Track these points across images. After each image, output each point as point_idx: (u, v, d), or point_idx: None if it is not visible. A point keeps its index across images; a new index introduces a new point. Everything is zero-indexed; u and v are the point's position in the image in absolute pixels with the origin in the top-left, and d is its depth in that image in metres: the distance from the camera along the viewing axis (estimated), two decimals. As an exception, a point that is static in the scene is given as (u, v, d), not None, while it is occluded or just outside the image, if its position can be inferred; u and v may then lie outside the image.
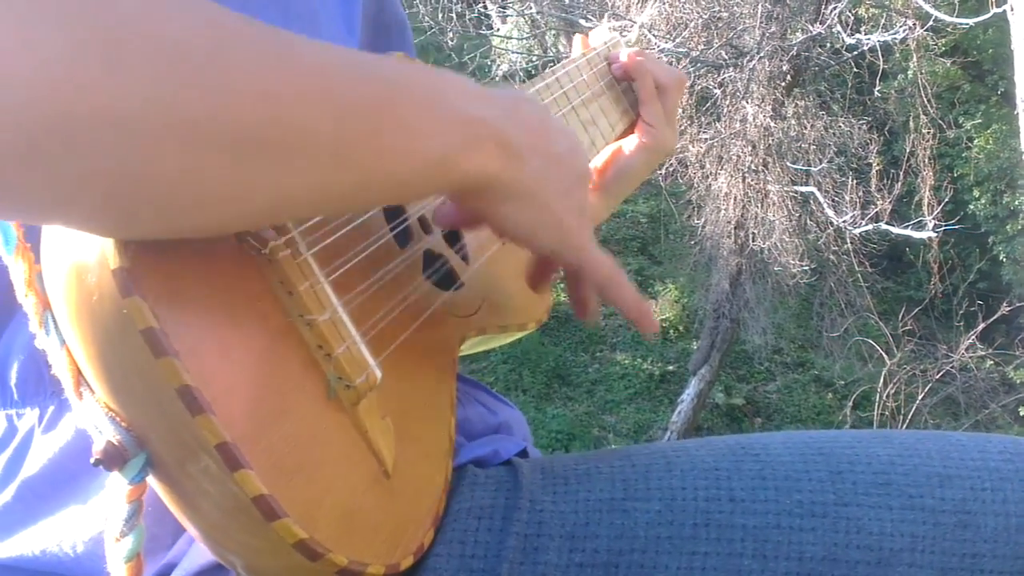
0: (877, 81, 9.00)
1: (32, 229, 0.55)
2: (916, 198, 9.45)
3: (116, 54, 0.42)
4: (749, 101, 8.35)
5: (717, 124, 8.70)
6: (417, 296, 0.72)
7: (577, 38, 1.11)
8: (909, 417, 8.15)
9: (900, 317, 9.06)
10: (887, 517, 0.68)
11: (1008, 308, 8.67)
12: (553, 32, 10.93)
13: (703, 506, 0.69)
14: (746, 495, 0.69)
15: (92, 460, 0.52)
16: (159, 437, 0.52)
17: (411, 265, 0.74)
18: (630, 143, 1.07)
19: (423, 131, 0.57)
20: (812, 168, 8.62)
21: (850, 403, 9.23)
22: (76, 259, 0.51)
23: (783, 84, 8.59)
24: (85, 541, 0.65)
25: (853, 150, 9.09)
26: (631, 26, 7.56)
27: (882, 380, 8.18)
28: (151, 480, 0.55)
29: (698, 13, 8.28)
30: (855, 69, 9.21)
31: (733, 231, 8.87)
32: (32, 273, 0.55)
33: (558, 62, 1.02)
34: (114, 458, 0.52)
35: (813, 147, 8.81)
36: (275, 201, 0.51)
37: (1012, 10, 4.33)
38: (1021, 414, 9.65)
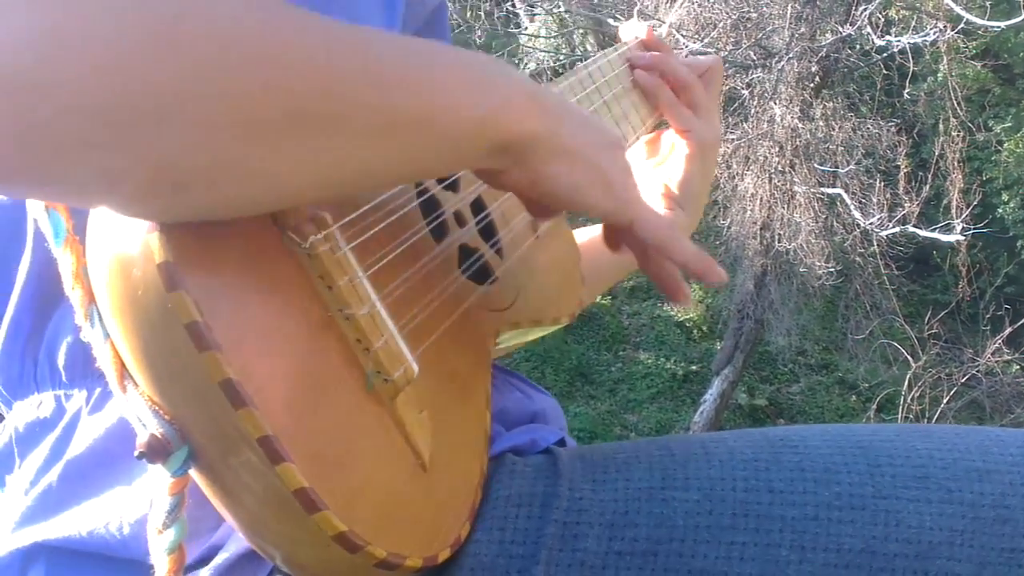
0: (906, 83, 8.94)
1: (81, 222, 0.55)
2: (944, 201, 9.39)
3: (165, 36, 0.43)
4: (777, 102, 8.31)
5: (744, 124, 8.66)
6: (453, 290, 0.72)
7: (623, 26, 1.11)
8: (933, 421, 8.10)
9: (926, 320, 9.01)
10: (926, 511, 0.68)
11: (1035, 313, 8.60)
12: (581, 31, 10.92)
13: (742, 496, 0.69)
14: (785, 486, 0.70)
15: (136, 453, 0.53)
16: (201, 430, 0.53)
17: (447, 259, 0.74)
18: (678, 156, 1.05)
19: (463, 95, 0.58)
20: (840, 170, 8.57)
21: (874, 406, 9.19)
22: (121, 253, 0.51)
23: (811, 85, 8.54)
24: (131, 523, 0.66)
25: (881, 152, 9.03)
26: (660, 25, 7.55)
27: (907, 383, 8.14)
28: (192, 472, 0.55)
29: (727, 13, 8.24)
30: (884, 71, 9.15)
31: (759, 232, 8.83)
32: (79, 266, 0.56)
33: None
34: (157, 451, 0.53)
35: (841, 149, 8.76)
36: (324, 174, 0.52)
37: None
38: (1047, 419, 9.57)
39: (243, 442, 0.51)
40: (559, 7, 8.89)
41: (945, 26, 8.00)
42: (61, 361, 0.69)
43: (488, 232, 0.82)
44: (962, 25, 7.61)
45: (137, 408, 0.54)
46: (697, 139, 1.04)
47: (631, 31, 1.09)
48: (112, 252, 0.52)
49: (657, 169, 1.07)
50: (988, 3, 7.92)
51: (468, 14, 8.92)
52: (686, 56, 1.13)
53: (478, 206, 0.81)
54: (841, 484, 0.69)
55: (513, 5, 9.77)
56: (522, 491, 0.71)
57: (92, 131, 0.42)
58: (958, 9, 7.39)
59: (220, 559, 0.66)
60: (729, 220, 9.08)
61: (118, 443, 0.67)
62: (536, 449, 0.77)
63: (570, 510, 0.69)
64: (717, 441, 0.75)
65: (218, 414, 0.51)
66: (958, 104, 9.19)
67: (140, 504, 0.66)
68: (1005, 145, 11.72)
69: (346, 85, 0.51)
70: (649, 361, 11.26)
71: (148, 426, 0.53)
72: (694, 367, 11.12)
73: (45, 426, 0.70)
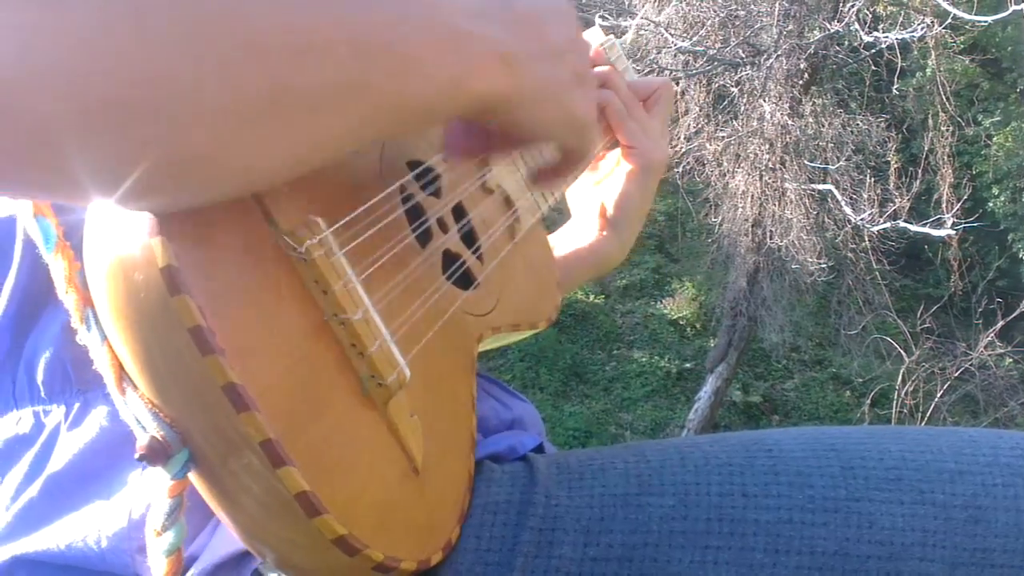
0: (895, 79, 8.95)
1: (72, 228, 0.56)
2: (935, 196, 9.42)
3: (143, 23, 0.43)
4: (766, 99, 8.32)
5: (734, 122, 8.67)
6: (439, 296, 0.73)
7: (585, 35, 1.09)
8: (927, 415, 8.11)
9: (919, 315, 9.03)
10: (898, 512, 0.69)
11: (1028, 306, 8.61)
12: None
13: (716, 501, 0.70)
14: (759, 490, 0.70)
15: (136, 455, 0.53)
16: (202, 433, 0.53)
17: (432, 265, 0.75)
18: (619, 175, 1.04)
19: (431, 60, 0.58)
20: (830, 166, 8.58)
21: (868, 401, 9.19)
22: (122, 256, 0.52)
23: (801, 82, 8.55)
24: (109, 536, 0.66)
25: (871, 148, 9.05)
26: (627, 27, 7.54)
27: (900, 378, 8.14)
28: (191, 475, 0.56)
29: (715, 11, 8.25)
30: (873, 67, 9.16)
31: (750, 229, 8.85)
32: (72, 270, 0.56)
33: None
34: (158, 453, 0.53)
35: (831, 145, 8.78)
36: (305, 147, 0.52)
37: (1025, 12, 4.29)
38: (1041, 412, 9.59)
39: (245, 445, 0.51)
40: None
41: (933, 21, 8.01)
42: (40, 377, 0.69)
43: (470, 238, 0.82)
44: (950, 20, 7.60)
45: (137, 411, 0.54)
46: (642, 157, 1.02)
47: (595, 39, 1.08)
48: (113, 256, 0.52)
49: (596, 187, 1.06)
50: (975, -2, 7.95)
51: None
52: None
53: (459, 212, 0.82)
54: (814, 487, 0.70)
55: None
56: (498, 498, 0.71)
57: (74, 131, 0.42)
58: (945, 4, 7.39)
59: (205, 560, 0.66)
60: (721, 218, 9.09)
61: (97, 457, 0.68)
62: (514, 456, 0.78)
63: (546, 517, 0.70)
64: (692, 446, 0.75)
65: (220, 418, 0.51)
66: (947, 99, 9.21)
67: (119, 517, 0.66)
68: (994, 139, 11.74)
69: (324, 58, 0.50)
70: (643, 359, 11.27)
71: (148, 429, 0.53)
72: (688, 365, 11.14)
73: (24, 442, 0.71)
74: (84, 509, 0.68)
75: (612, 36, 1.11)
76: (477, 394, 0.78)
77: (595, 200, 1.05)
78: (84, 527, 0.68)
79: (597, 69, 1.04)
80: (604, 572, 0.68)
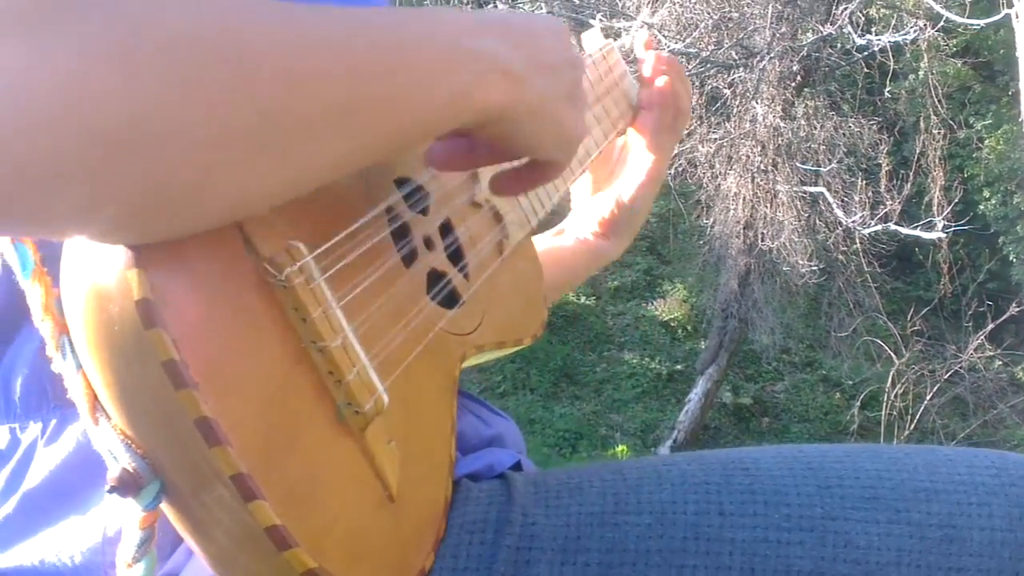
0: (887, 82, 8.99)
1: (50, 255, 0.55)
2: (926, 198, 9.43)
3: (130, 61, 0.43)
4: (759, 101, 8.33)
5: (727, 124, 8.69)
6: (422, 317, 0.72)
7: (584, 36, 1.10)
8: (917, 417, 8.14)
9: (909, 317, 9.06)
10: (874, 531, 0.69)
11: (1017, 308, 8.64)
12: (563, 31, 10.88)
13: (693, 520, 0.70)
14: (735, 509, 0.70)
15: (107, 488, 0.52)
16: (174, 465, 0.53)
17: (416, 285, 0.74)
18: (633, 180, 1.05)
19: (431, 79, 0.58)
20: (822, 168, 8.61)
21: (858, 403, 9.22)
22: (97, 287, 0.51)
23: (793, 84, 8.58)
24: (83, 552, 0.66)
25: (863, 150, 9.08)
26: (627, 30, 7.55)
27: (890, 380, 8.17)
28: (163, 506, 0.55)
29: (708, 14, 8.27)
30: (865, 70, 9.19)
31: (742, 231, 8.87)
32: (49, 297, 0.55)
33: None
34: (129, 485, 0.52)
35: (823, 147, 8.80)
36: (296, 175, 0.52)
37: (1017, 17, 4.30)
38: (1030, 415, 9.62)
39: (216, 479, 0.51)
40: (541, 9, 8.87)
41: (925, 24, 8.04)
42: (16, 394, 0.69)
43: (456, 256, 0.82)
44: (942, 23, 7.64)
45: (109, 441, 0.53)
46: (662, 167, 1.05)
47: (594, 43, 1.09)
48: (88, 286, 0.52)
49: (606, 191, 1.08)
50: (968, 1, 7.96)
51: (450, 16, 8.89)
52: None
53: (446, 228, 0.81)
54: (791, 506, 0.70)
55: (495, 6, 9.76)
56: (475, 517, 0.71)
57: (56, 167, 0.42)
58: (938, 7, 7.42)
59: None
60: (712, 219, 9.11)
61: (73, 473, 0.67)
62: (492, 474, 0.78)
63: (523, 535, 0.70)
64: (670, 465, 0.75)
65: (192, 451, 0.51)
66: (939, 102, 9.24)
67: (94, 532, 0.66)
68: (986, 142, 11.78)
69: (316, 89, 0.50)
70: (634, 361, 11.27)
71: (120, 459, 0.53)
72: (679, 366, 11.15)
73: (1, 458, 0.71)
74: (59, 525, 0.68)
75: (611, 41, 1.11)
76: (458, 411, 0.77)
77: (599, 206, 1.06)
78: (59, 543, 0.67)
79: (660, 80, 1.06)
80: None
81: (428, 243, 0.77)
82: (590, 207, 1.08)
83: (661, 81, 1.06)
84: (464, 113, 0.61)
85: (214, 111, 0.45)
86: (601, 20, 7.86)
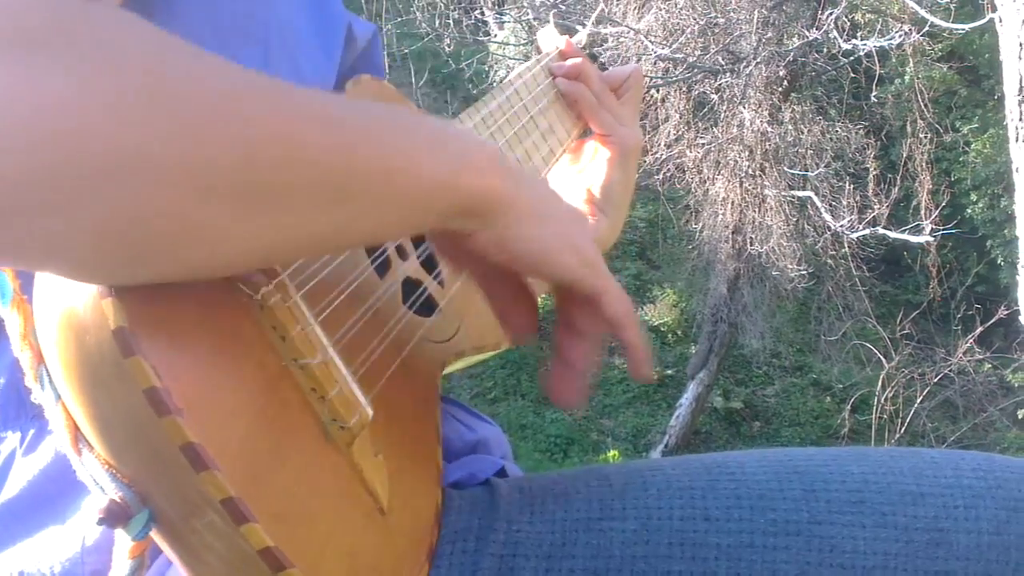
0: (874, 86, 9.00)
1: (28, 282, 0.55)
2: (913, 202, 9.47)
3: (122, 99, 0.42)
4: (746, 106, 8.35)
5: (714, 129, 8.71)
6: (400, 327, 0.72)
7: (540, 34, 1.11)
8: (907, 420, 8.16)
9: (898, 321, 9.08)
10: (860, 535, 0.69)
11: (1006, 311, 8.64)
12: (550, 37, 10.89)
13: (678, 525, 0.69)
14: (721, 514, 0.70)
15: (96, 520, 0.52)
16: (162, 494, 0.52)
17: (392, 295, 0.74)
18: (600, 162, 1.06)
19: (422, 154, 0.58)
20: (809, 173, 8.63)
21: (848, 407, 9.24)
22: (72, 318, 0.50)
23: (780, 89, 8.60)
24: (63, 561, 0.66)
25: (850, 155, 9.10)
26: (614, 35, 7.56)
27: (880, 384, 8.19)
28: (153, 534, 0.54)
29: (695, 19, 8.28)
30: (852, 74, 9.21)
31: (731, 236, 8.88)
32: (28, 326, 0.54)
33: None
34: (117, 516, 0.52)
35: (810, 152, 8.82)
36: (281, 242, 0.52)
37: (1000, 21, 4.31)
38: (1020, 417, 9.65)
39: (206, 504, 0.50)
40: (528, 15, 8.89)
41: (910, 29, 8.06)
42: None
43: (430, 263, 0.81)
44: (927, 28, 7.66)
45: (94, 472, 0.53)
46: (619, 144, 1.05)
47: (550, 41, 1.09)
48: (63, 317, 0.51)
49: (579, 175, 1.08)
50: (953, 5, 8.00)
51: (437, 22, 8.91)
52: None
53: (419, 237, 0.81)
54: (777, 510, 0.70)
55: (482, 13, 9.77)
56: (458, 526, 0.71)
57: (33, 196, 0.41)
58: (923, 12, 7.45)
59: None
60: (701, 224, 9.12)
61: (52, 483, 0.67)
62: (475, 482, 0.77)
63: (507, 543, 0.69)
64: (655, 469, 0.75)
65: (180, 477, 0.50)
66: (925, 106, 9.28)
67: (73, 542, 0.66)
68: (972, 146, 11.80)
69: (310, 153, 0.50)
70: (625, 366, 11.23)
71: (106, 490, 0.52)
72: (669, 371, 11.14)
73: None
74: (38, 535, 0.67)
75: (567, 37, 1.11)
76: (442, 417, 0.77)
77: (580, 187, 1.06)
78: (38, 553, 0.67)
79: (569, 61, 1.07)
80: None
81: (401, 252, 0.77)
82: (574, 190, 1.08)
83: (561, 70, 1.07)
84: (456, 192, 0.60)
85: (201, 160, 0.45)
86: (587, 25, 7.87)
